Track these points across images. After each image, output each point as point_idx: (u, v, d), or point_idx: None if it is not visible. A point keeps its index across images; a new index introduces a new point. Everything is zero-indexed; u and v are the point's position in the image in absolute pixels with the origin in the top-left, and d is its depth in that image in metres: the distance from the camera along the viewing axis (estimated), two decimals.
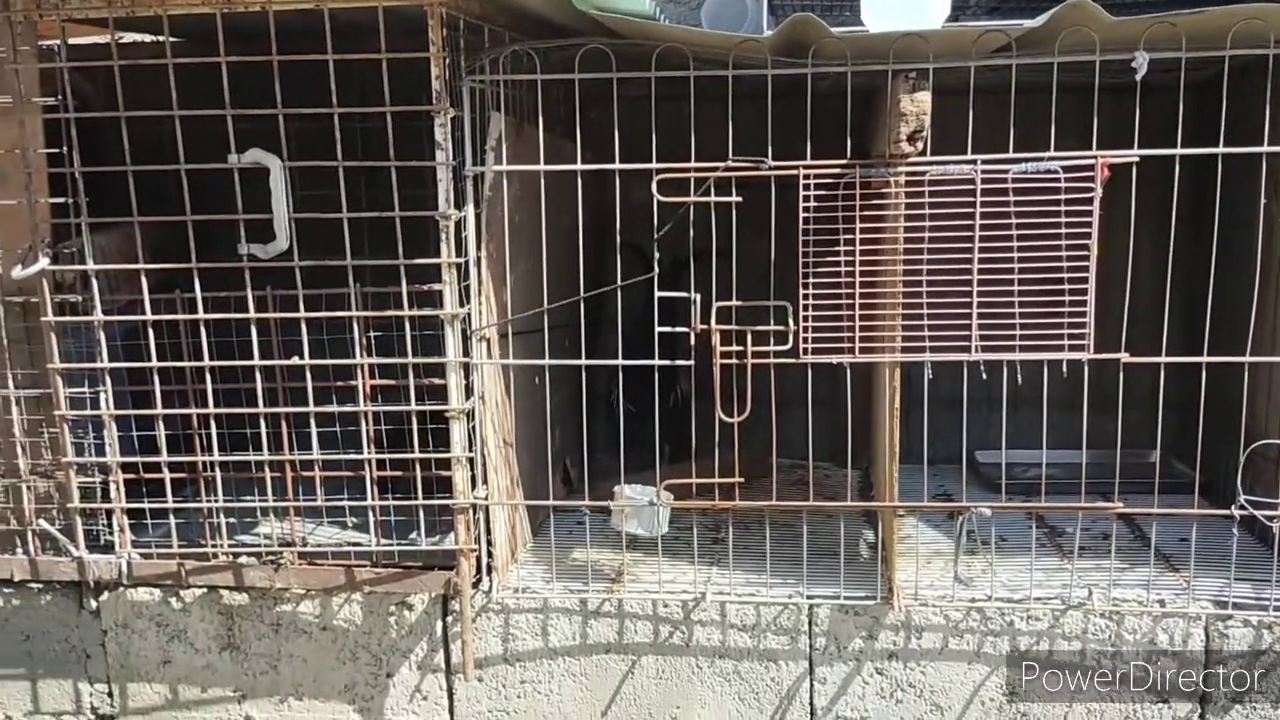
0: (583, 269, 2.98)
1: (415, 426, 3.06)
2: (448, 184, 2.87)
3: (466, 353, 3.00)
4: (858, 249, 2.86)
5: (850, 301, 2.89)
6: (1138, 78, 2.68)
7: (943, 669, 3.03)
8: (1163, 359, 2.87)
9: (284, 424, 3.11)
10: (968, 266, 2.81)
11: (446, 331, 2.96)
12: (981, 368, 2.87)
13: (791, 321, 2.86)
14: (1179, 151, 2.77)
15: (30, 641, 3.38)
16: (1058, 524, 3.57)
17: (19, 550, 3.31)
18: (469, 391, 3.02)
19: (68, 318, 3.08)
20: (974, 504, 3.01)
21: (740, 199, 2.83)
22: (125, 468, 3.17)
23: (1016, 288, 2.81)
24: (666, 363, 3.00)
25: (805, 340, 2.90)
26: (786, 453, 3.47)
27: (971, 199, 2.79)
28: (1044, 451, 3.10)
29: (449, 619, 3.18)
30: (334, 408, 3.11)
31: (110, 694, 3.38)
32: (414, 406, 3.05)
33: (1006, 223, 2.80)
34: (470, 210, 2.96)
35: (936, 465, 2.98)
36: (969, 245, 2.80)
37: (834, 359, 2.92)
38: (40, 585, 3.33)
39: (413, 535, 3.18)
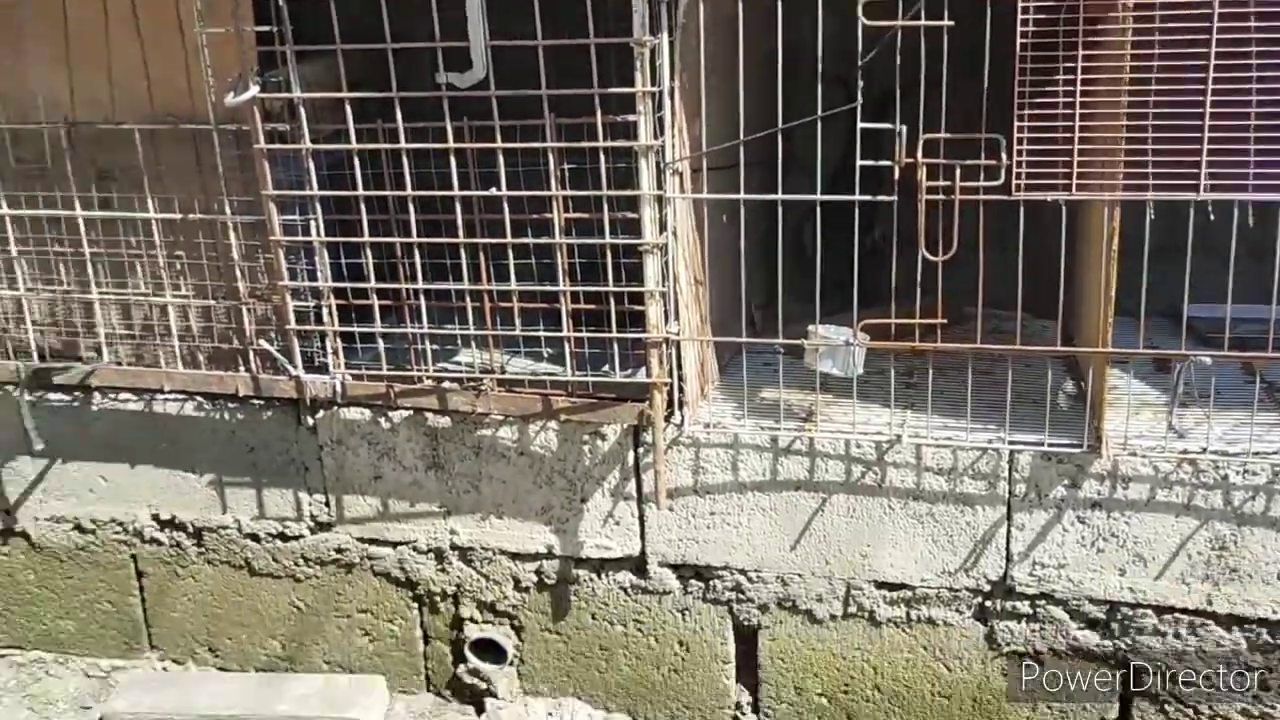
0: (780, 103, 2.87)
1: (609, 260, 3.07)
2: (643, 10, 2.79)
3: (660, 186, 2.96)
4: (1078, 78, 2.65)
5: (1068, 135, 2.69)
6: None
7: (1149, 520, 2.92)
8: None
9: (482, 255, 3.18)
10: (1199, 98, 2.57)
11: (640, 164, 2.93)
12: (1210, 208, 2.66)
13: (1004, 155, 2.70)
14: None
15: (254, 453, 3.65)
16: (1276, 380, 3.33)
17: (242, 368, 3.54)
18: (662, 226, 2.99)
19: (278, 145, 3.19)
20: (1193, 352, 2.84)
21: (951, 23, 2.65)
22: (335, 293, 3.32)
23: (1253, 121, 2.57)
24: (867, 198, 2.89)
25: (1018, 176, 2.73)
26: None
27: (1208, 22, 2.53)
28: (1274, 306, 2.86)
29: (640, 450, 3.25)
30: (530, 239, 3.15)
31: (327, 504, 3.63)
32: (608, 240, 3.06)
33: (1245, 50, 2.54)
34: (665, 38, 2.87)
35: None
36: (1202, 74, 2.56)
37: (1048, 196, 2.75)
38: (262, 401, 3.57)
39: (605, 368, 3.24)
